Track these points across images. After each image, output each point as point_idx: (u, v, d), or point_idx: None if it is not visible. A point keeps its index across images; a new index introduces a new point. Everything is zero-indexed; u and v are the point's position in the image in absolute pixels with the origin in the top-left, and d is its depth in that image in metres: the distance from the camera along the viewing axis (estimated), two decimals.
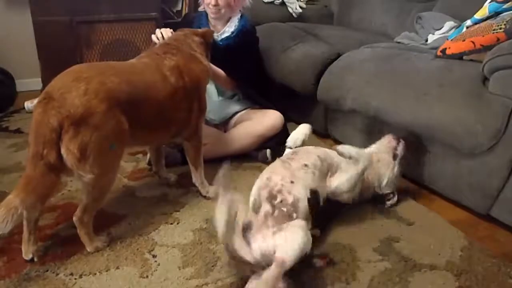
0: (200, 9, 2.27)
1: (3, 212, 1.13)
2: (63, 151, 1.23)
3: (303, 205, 1.32)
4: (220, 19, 2.17)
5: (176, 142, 1.87)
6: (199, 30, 1.85)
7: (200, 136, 1.75)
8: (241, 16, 2.20)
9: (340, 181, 1.48)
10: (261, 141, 2.06)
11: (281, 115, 2.09)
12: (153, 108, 1.49)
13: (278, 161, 1.49)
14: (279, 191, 1.32)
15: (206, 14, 2.21)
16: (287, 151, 1.61)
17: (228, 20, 2.18)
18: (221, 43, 2.16)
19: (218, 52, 2.14)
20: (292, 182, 1.35)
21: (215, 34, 2.17)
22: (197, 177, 1.76)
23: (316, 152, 1.52)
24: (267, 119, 2.07)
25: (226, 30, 2.17)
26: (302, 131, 1.65)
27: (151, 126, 1.53)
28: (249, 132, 2.06)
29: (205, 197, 1.75)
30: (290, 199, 1.31)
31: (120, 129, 1.35)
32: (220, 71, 2.08)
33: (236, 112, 2.21)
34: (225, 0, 2.06)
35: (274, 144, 2.07)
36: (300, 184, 1.35)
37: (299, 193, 1.33)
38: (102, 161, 1.30)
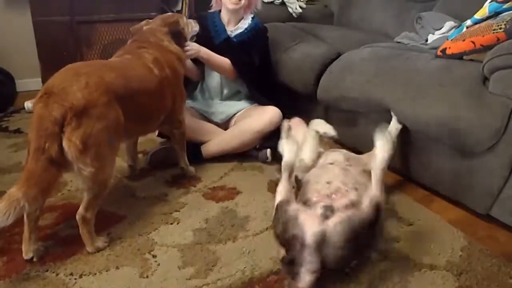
0: (213, 9, 2.32)
1: (5, 205, 1.13)
2: (65, 143, 1.24)
3: None
4: (236, 14, 2.22)
5: (163, 131, 2.02)
6: (168, 19, 1.90)
7: (183, 122, 1.87)
8: (252, 17, 2.27)
9: None
10: (260, 137, 2.09)
11: (279, 111, 2.11)
12: (145, 99, 1.56)
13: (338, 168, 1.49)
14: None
15: (218, 13, 2.26)
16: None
17: (241, 19, 2.25)
18: (235, 39, 2.21)
19: (230, 47, 2.18)
20: (356, 188, 1.34)
21: (228, 31, 2.21)
22: (183, 159, 1.92)
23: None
24: (265, 115, 2.09)
25: (240, 26, 2.24)
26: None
27: (143, 117, 1.61)
28: (248, 128, 2.08)
29: (191, 177, 1.93)
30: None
31: (119, 122, 1.39)
32: (222, 60, 2.13)
33: (237, 112, 2.24)
34: None
35: (274, 144, 2.08)
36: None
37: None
38: (102, 154, 1.32)
